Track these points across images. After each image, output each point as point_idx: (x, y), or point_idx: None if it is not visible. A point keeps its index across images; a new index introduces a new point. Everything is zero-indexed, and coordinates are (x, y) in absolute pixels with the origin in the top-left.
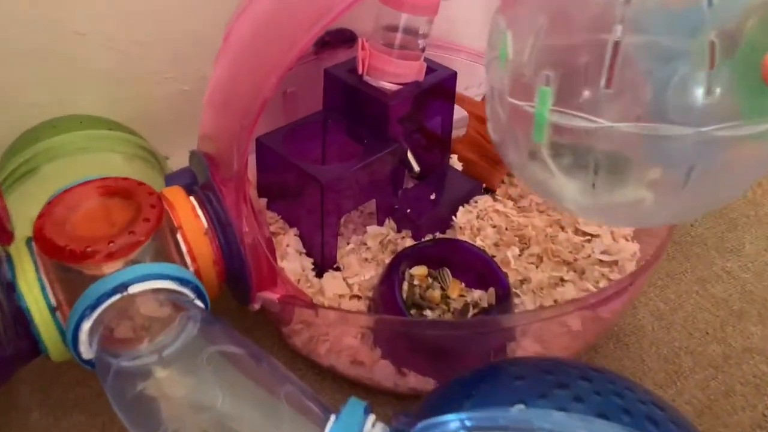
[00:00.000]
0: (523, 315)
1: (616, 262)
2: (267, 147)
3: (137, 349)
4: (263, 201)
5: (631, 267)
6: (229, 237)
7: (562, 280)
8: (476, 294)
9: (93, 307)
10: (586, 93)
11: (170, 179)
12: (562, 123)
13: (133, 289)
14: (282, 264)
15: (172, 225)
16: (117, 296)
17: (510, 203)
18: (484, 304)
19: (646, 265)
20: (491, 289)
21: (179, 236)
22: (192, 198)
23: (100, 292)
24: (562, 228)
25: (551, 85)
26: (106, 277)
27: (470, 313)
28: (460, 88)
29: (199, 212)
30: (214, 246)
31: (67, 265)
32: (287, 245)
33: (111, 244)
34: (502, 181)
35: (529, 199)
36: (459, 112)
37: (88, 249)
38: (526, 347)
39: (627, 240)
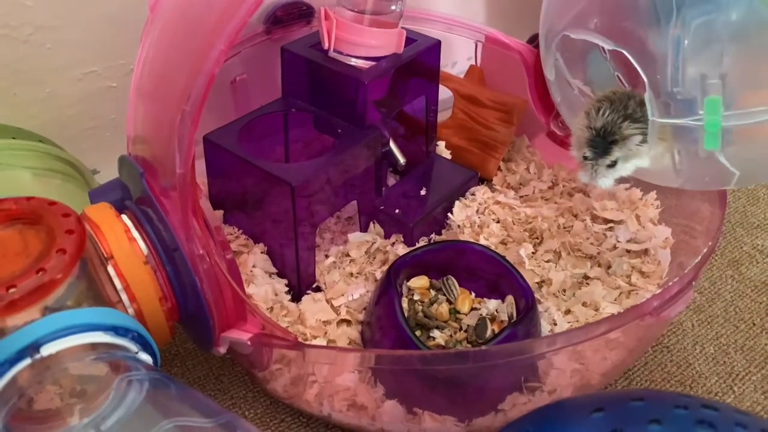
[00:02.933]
0: (574, 333)
1: (646, 251)
2: (218, 147)
3: (66, 426)
4: (218, 213)
5: (665, 256)
6: (177, 264)
7: (586, 277)
8: (491, 305)
9: None
10: None
11: (95, 195)
12: (739, 124)
13: (49, 348)
14: (249, 290)
15: (101, 254)
16: (26, 361)
17: (511, 193)
18: (504, 317)
19: (708, 251)
20: (509, 298)
21: (110, 268)
22: (124, 216)
23: (1, 357)
24: (576, 216)
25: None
26: (11, 336)
27: (488, 330)
28: (447, 65)
29: (135, 234)
30: (159, 278)
31: None
32: (253, 266)
33: (12, 290)
34: (499, 168)
35: (531, 186)
36: (441, 93)
37: None
38: (560, 365)
39: (654, 224)
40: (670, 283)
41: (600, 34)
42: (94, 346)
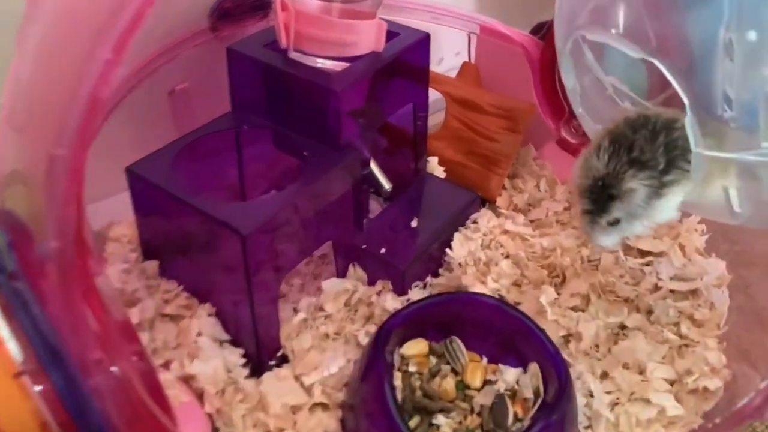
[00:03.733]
0: None
1: (696, 292)
2: (145, 181)
3: None
4: (152, 265)
5: (721, 297)
6: (66, 376)
7: (623, 327)
8: (510, 376)
9: None
10: None
11: None
12: None
13: None
14: (193, 369)
15: None
16: None
17: (520, 217)
18: (527, 393)
19: None
20: (534, 367)
21: None
22: None
23: None
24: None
25: None
26: None
27: (510, 415)
28: (432, 63)
29: (3, 332)
30: (42, 396)
31: None
32: (198, 334)
33: None
34: (503, 187)
35: (543, 208)
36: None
37: None
38: None
39: (702, 255)
40: None
41: (624, 37)
42: None
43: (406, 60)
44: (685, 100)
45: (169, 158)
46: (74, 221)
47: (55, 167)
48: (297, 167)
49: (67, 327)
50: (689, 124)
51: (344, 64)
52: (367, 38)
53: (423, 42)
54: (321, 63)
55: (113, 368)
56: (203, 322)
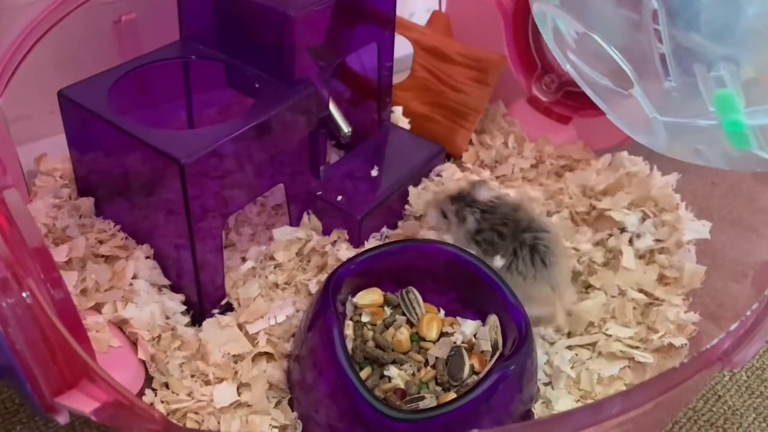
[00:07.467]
0: (616, 400)
1: (665, 249)
2: (78, 107)
3: None
4: (87, 203)
5: (688, 255)
6: None
7: (588, 287)
8: (468, 328)
9: None
10: None
11: None
12: None
13: None
14: (127, 313)
15: None
16: None
17: (486, 172)
18: (485, 345)
19: None
20: (493, 318)
21: None
22: None
23: None
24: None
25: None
26: None
27: (466, 367)
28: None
29: None
30: None
31: None
32: (134, 277)
33: None
34: (470, 142)
35: (509, 164)
36: (399, 48)
37: None
38: None
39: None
40: (748, 313)
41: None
42: None
43: None
44: (629, 72)
45: (107, 84)
46: None
47: None
48: (246, 105)
49: None
50: (637, 93)
51: None
52: None
53: None
54: None
55: (23, 293)
56: (140, 265)
